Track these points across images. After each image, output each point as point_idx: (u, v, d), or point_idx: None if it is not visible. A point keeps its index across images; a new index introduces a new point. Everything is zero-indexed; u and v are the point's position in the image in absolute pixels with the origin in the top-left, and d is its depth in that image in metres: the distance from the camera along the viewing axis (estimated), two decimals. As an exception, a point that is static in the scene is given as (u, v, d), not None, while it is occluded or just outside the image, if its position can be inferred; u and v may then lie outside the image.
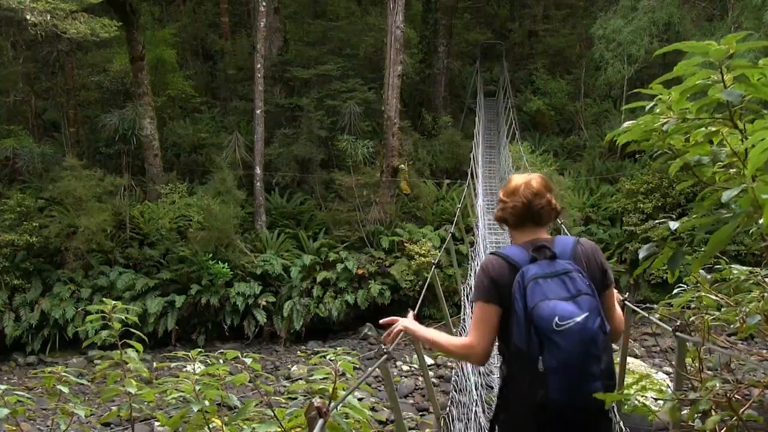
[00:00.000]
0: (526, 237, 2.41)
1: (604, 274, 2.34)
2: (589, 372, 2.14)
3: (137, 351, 2.91)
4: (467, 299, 5.65)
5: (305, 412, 1.68)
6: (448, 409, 4.32)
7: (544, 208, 2.39)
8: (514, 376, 2.29)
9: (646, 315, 3.19)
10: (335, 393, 2.29)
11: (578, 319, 2.13)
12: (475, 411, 4.81)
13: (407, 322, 2.55)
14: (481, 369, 6.01)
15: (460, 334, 6.09)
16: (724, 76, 1.75)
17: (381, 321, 2.68)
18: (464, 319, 5.67)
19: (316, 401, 1.69)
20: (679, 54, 1.94)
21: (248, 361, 2.49)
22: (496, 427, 2.40)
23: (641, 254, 2.28)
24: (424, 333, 2.48)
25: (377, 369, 2.53)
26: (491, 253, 2.46)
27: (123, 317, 2.95)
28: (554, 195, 2.46)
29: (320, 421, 1.65)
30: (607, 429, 2.36)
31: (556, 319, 2.13)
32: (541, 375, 2.14)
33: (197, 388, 2.41)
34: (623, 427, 3.49)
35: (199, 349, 2.85)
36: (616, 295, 2.50)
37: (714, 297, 2.73)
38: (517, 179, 2.48)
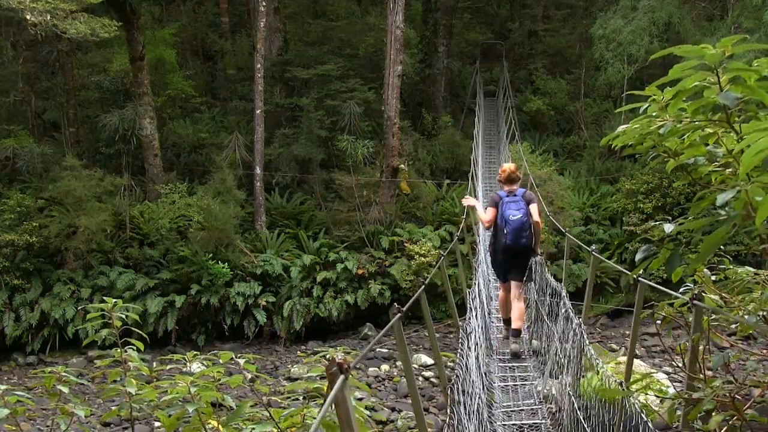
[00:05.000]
0: (507, 187, 6.75)
1: (530, 201, 6.68)
2: (521, 235, 6.58)
3: (138, 350, 2.91)
4: (472, 304, 6.17)
5: (326, 368, 1.62)
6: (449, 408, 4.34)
7: (514, 176, 6.80)
8: (496, 235, 6.83)
9: (664, 290, 3.22)
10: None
11: (518, 216, 6.56)
12: (477, 409, 4.83)
13: (472, 201, 7.65)
14: (482, 369, 6.10)
15: (462, 332, 6.13)
16: (720, 78, 1.75)
17: (463, 200, 7.87)
18: (469, 318, 5.87)
19: (338, 356, 1.64)
20: (679, 54, 1.93)
21: (242, 362, 2.49)
22: (489, 252, 7.75)
23: (638, 256, 2.29)
24: (478, 206, 7.46)
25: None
26: (497, 192, 6.93)
27: (123, 316, 2.95)
28: (519, 170, 7.19)
29: (341, 378, 1.58)
30: (528, 257, 6.86)
31: (510, 216, 6.57)
32: (504, 234, 6.61)
33: (193, 390, 2.41)
34: (650, 426, 3.46)
35: (195, 352, 2.84)
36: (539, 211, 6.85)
37: (714, 297, 2.73)
38: (504, 165, 7.02)
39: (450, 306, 6.31)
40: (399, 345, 2.91)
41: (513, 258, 6.72)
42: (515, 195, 6.68)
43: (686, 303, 3.09)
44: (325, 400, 1.55)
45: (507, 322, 7.16)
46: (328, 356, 2.50)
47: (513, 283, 6.90)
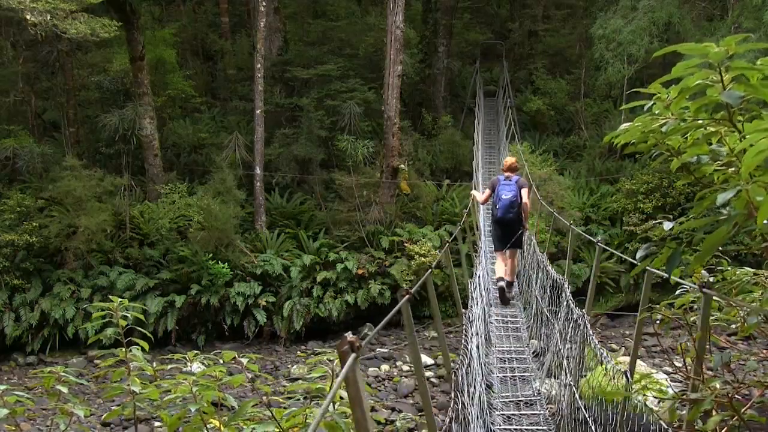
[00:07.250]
0: (506, 174, 8.88)
1: (522, 186, 8.77)
2: (509, 210, 8.63)
3: (143, 349, 2.90)
4: (473, 293, 6.41)
5: (337, 346, 1.64)
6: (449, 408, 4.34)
7: (513, 166, 8.97)
8: (491, 208, 9.21)
9: (664, 275, 3.19)
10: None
11: (508, 197, 8.64)
12: (478, 396, 4.85)
13: (474, 192, 10.93)
14: (482, 359, 6.15)
15: (465, 319, 6.18)
16: (723, 77, 1.74)
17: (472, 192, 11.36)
18: (471, 306, 5.96)
19: (349, 335, 1.65)
20: (679, 54, 1.93)
21: (245, 361, 2.48)
22: (489, 222, 10.64)
23: (639, 254, 2.29)
24: (477, 194, 10.24)
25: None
26: (497, 176, 9.36)
27: (128, 315, 2.94)
28: (518, 163, 9.64)
29: (352, 356, 1.59)
30: (514, 228, 8.68)
31: (502, 195, 8.68)
32: (496, 208, 8.75)
33: (194, 389, 2.40)
34: (664, 425, 3.44)
35: (196, 352, 2.84)
36: (529, 197, 8.96)
37: (715, 298, 2.73)
38: (507, 158, 9.61)
39: (455, 299, 6.41)
40: (407, 326, 2.95)
41: (502, 227, 8.75)
42: (510, 180, 8.72)
43: (685, 304, 3.08)
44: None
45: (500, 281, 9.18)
46: (328, 358, 2.49)
47: (507, 251, 8.83)
